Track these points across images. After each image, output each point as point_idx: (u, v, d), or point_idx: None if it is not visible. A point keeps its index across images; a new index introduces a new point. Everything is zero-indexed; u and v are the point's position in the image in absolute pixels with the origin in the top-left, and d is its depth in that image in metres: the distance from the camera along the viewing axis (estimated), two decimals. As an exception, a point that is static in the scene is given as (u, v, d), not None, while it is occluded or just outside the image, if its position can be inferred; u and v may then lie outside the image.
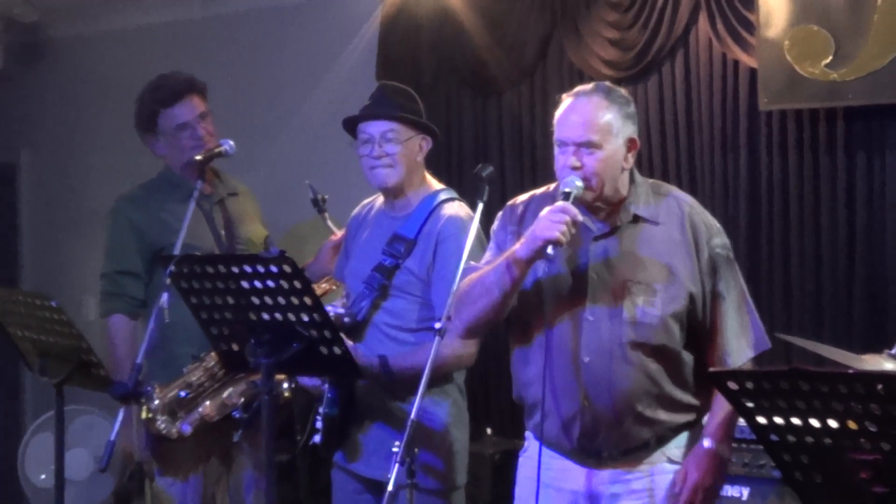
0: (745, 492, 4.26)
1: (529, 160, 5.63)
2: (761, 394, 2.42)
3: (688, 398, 3.21)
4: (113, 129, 6.16)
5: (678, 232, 3.21)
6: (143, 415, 3.85)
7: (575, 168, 3.11)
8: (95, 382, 3.74)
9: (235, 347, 3.29)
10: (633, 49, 5.25)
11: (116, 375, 3.84)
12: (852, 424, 2.35)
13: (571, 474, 3.22)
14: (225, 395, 3.93)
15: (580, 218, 3.07)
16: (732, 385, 2.45)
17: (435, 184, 3.81)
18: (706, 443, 3.17)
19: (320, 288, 3.98)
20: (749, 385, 2.43)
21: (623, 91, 3.21)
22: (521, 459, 3.34)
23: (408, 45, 5.87)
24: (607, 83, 3.23)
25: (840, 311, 4.86)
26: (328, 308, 3.65)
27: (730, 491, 4.25)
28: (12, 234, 7.35)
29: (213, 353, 3.84)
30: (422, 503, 3.34)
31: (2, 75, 7.03)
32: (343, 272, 3.88)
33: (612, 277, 3.16)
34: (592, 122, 3.12)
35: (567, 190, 3.09)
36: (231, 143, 4.10)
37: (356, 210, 3.96)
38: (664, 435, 3.21)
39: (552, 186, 3.31)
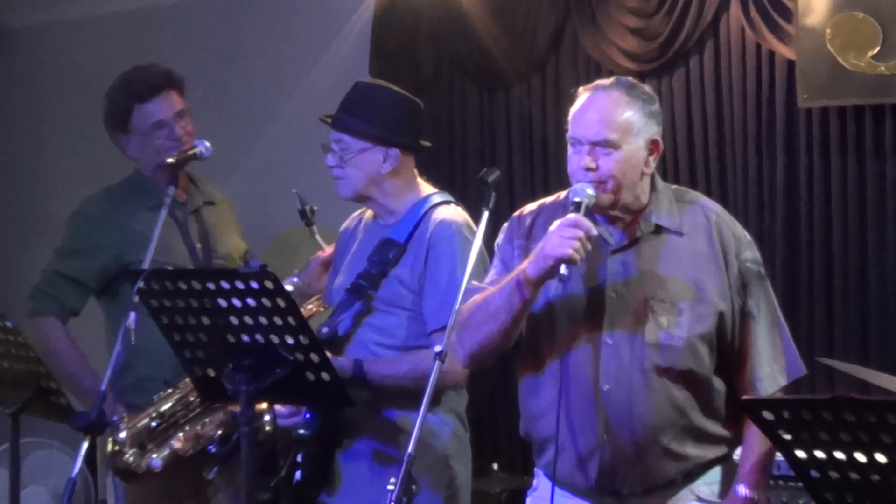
0: (783, 535, 4.26)
1: (541, 163, 5.64)
2: (800, 425, 2.42)
3: (719, 430, 3.21)
4: (77, 127, 6.18)
5: (705, 244, 3.21)
6: (109, 447, 3.85)
7: (589, 169, 3.11)
8: (55, 412, 3.74)
9: (212, 373, 3.29)
10: (656, 39, 5.26)
11: (70, 387, 3.84)
12: (903, 459, 2.35)
13: (587, 516, 3.21)
14: (199, 426, 3.93)
15: (595, 231, 3.07)
16: (768, 415, 2.45)
17: (427, 188, 3.83)
18: (742, 490, 3.16)
19: (306, 310, 3.98)
20: (786, 415, 2.42)
21: (647, 87, 3.22)
22: (529, 499, 3.33)
23: (405, 34, 5.88)
24: (629, 78, 3.23)
25: (889, 333, 4.85)
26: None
27: (766, 534, 4.25)
28: (-38, 245, 7.35)
29: (186, 380, 3.84)
30: (419, 546, 3.33)
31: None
32: (332, 292, 3.90)
33: (632, 296, 3.16)
34: (610, 119, 3.12)
35: (577, 200, 3.09)
36: (207, 144, 4.11)
37: (346, 222, 3.98)
38: (692, 471, 3.20)
39: (564, 194, 3.30)
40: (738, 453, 3.25)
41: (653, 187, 3.24)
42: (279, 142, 6.29)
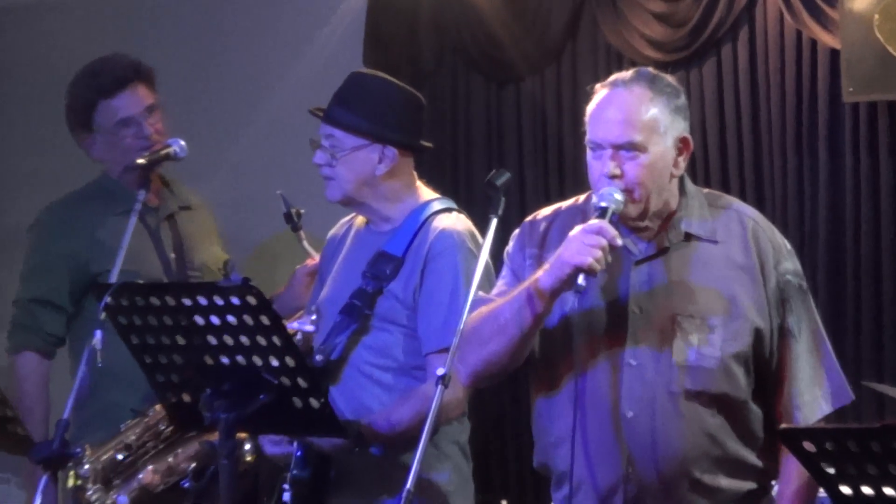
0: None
1: (556, 164, 5.64)
2: (846, 457, 2.42)
3: (755, 460, 3.22)
4: (37, 125, 6.16)
5: (740, 253, 3.21)
6: (71, 482, 3.85)
7: (614, 177, 3.11)
8: (11, 443, 3.74)
9: (187, 399, 3.29)
10: (684, 26, 5.27)
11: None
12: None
13: (609, 558, 3.21)
14: (171, 458, 3.93)
15: (619, 241, 3.07)
16: (809, 446, 2.45)
17: (427, 193, 3.84)
18: None
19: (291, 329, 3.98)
20: (830, 446, 2.43)
21: (671, 79, 3.22)
22: (545, 539, 3.34)
23: (403, 19, 5.88)
24: (651, 69, 3.24)
25: (945, 353, 4.86)
26: (292, 326, 3.66)
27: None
28: None
29: (157, 407, 3.84)
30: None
31: None
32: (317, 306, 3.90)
33: (658, 311, 3.16)
34: (634, 119, 3.12)
35: (604, 205, 3.09)
36: (182, 143, 4.12)
37: (334, 229, 3.99)
38: (725, 506, 3.21)
39: (582, 198, 3.31)
40: (776, 490, 3.25)
41: (682, 191, 3.24)
42: (262, 140, 6.29)
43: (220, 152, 6.16)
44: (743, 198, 4.07)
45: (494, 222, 3.33)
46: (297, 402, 3.19)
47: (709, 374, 3.13)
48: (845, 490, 2.46)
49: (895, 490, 2.41)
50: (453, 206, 3.82)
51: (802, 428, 2.91)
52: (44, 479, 3.73)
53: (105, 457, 3.88)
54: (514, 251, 3.35)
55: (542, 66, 5.67)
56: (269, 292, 4.04)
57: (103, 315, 3.29)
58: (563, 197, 3.48)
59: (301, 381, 3.16)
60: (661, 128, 3.14)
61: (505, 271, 3.36)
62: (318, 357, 3.70)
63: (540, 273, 3.11)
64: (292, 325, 3.63)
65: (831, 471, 2.45)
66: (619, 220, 3.13)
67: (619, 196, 3.10)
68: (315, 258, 4.09)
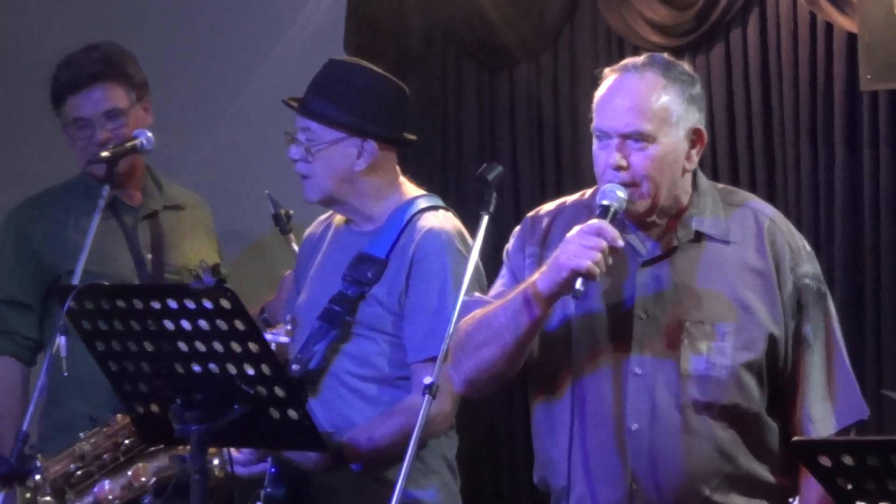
0: None
1: (553, 158, 5.63)
2: (865, 472, 2.42)
3: (770, 477, 3.22)
4: (14, 117, 6.15)
5: (755, 255, 3.22)
6: (20, 495, 3.84)
7: (619, 168, 3.11)
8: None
9: (156, 409, 3.28)
10: (690, 8, 5.26)
11: None
12: None
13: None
14: (131, 472, 3.92)
15: (620, 243, 3.07)
16: (825, 461, 2.45)
17: (412, 189, 3.83)
18: None
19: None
20: (848, 461, 2.42)
21: (687, 66, 3.23)
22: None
23: (388, 1, 5.87)
24: (665, 55, 3.25)
25: (971, 360, 4.86)
26: (267, 337, 3.65)
27: None
28: None
29: (118, 416, 3.86)
30: None
31: None
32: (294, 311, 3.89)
33: (666, 316, 3.17)
34: (644, 107, 3.13)
35: (606, 203, 3.09)
36: (149, 134, 4.13)
37: (311, 228, 3.99)
38: (738, 527, 3.22)
39: (589, 192, 3.31)
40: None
41: (694, 186, 3.25)
42: (237, 130, 6.28)
43: (193, 146, 6.15)
44: (754, 192, 4.06)
45: (485, 220, 3.36)
46: (275, 413, 3.19)
47: (719, 385, 3.14)
48: (863, 508, 2.46)
49: (917, 507, 2.41)
50: (440, 203, 3.82)
51: (817, 441, 2.91)
52: (2, 495, 3.72)
53: (57, 468, 3.89)
54: (514, 250, 3.35)
55: (539, 52, 5.66)
56: (256, 301, 4.06)
57: (66, 320, 3.29)
58: (560, 193, 3.48)
59: (278, 391, 3.16)
60: (674, 117, 3.14)
61: (504, 271, 3.36)
62: (295, 367, 3.70)
63: (537, 276, 3.11)
64: (265, 337, 3.61)
65: (849, 486, 2.45)
66: (626, 216, 3.13)
67: (622, 193, 3.09)
68: None
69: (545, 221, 3.33)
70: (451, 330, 3.20)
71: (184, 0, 6.45)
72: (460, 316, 3.25)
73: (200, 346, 3.13)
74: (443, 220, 3.75)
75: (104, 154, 4.04)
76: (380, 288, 3.69)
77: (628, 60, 3.23)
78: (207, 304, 3.08)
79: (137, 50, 4.60)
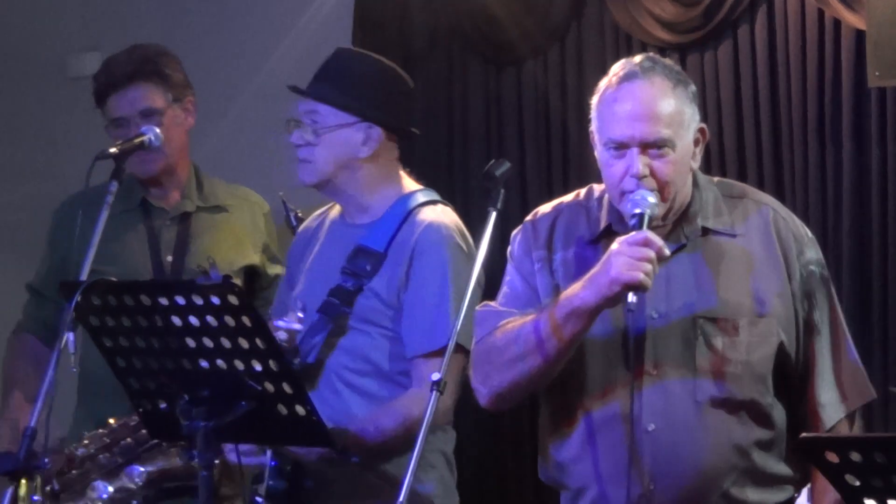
0: None
1: (560, 153, 5.63)
2: (873, 469, 2.42)
3: (783, 469, 3.24)
4: (21, 106, 6.16)
5: (761, 246, 3.23)
6: (22, 491, 3.85)
7: (644, 177, 3.11)
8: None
9: (163, 405, 3.29)
10: (698, 4, 5.26)
11: None
12: None
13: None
14: (125, 474, 3.92)
15: (667, 251, 3.07)
16: (832, 457, 2.45)
17: (410, 183, 3.83)
18: None
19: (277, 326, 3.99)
20: (855, 457, 2.43)
21: (671, 62, 3.23)
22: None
23: (395, -3, 5.89)
24: (655, 55, 3.25)
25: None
26: (278, 323, 3.66)
27: None
28: None
29: (111, 420, 3.90)
30: None
31: None
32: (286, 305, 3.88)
33: (678, 314, 3.18)
34: (661, 113, 3.12)
35: (638, 211, 3.09)
36: (157, 130, 4.14)
37: (305, 223, 3.99)
38: (752, 520, 3.22)
39: (583, 192, 3.32)
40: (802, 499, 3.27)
41: (694, 182, 3.25)
42: (242, 130, 6.28)
43: (198, 140, 6.15)
44: (762, 189, 4.04)
45: (493, 217, 3.32)
46: (282, 409, 3.20)
47: (736, 380, 3.15)
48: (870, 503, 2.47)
49: (924, 504, 2.42)
50: (438, 197, 3.82)
51: (825, 437, 2.92)
52: (9, 491, 3.73)
53: (55, 468, 3.89)
54: (520, 255, 3.34)
55: (545, 48, 5.67)
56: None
57: (73, 316, 3.30)
58: (567, 189, 3.49)
59: (286, 387, 3.17)
60: (686, 120, 3.16)
61: (511, 275, 3.34)
62: (295, 360, 3.70)
63: (580, 290, 3.09)
64: (278, 323, 3.62)
65: (857, 483, 2.46)
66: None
67: (652, 199, 3.10)
68: None
69: (545, 224, 3.33)
70: (457, 327, 3.18)
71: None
72: (477, 325, 3.26)
73: (208, 343, 3.14)
74: (441, 214, 3.75)
75: (112, 150, 4.05)
76: (378, 281, 3.69)
77: (628, 66, 3.19)
78: (215, 300, 3.08)
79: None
